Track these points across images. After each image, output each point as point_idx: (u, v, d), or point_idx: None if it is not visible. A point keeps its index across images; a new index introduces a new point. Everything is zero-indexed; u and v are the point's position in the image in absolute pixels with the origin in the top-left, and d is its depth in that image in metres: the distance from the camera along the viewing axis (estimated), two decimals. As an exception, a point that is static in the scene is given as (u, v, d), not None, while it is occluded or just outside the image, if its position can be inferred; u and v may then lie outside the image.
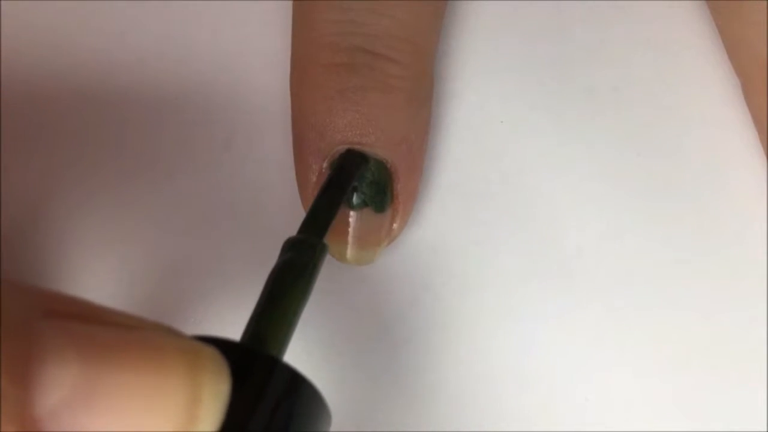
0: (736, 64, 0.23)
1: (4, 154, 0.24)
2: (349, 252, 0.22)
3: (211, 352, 0.14)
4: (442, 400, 0.23)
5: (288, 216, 0.23)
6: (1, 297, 0.13)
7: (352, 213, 0.22)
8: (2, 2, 0.25)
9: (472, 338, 0.23)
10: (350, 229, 0.22)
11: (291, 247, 0.19)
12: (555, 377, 0.23)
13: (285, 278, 0.18)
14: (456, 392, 0.23)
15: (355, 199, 0.22)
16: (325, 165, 0.22)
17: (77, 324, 0.13)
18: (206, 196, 0.24)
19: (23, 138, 0.24)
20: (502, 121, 0.24)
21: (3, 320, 0.12)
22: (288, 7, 0.23)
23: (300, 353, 0.22)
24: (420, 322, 0.23)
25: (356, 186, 0.22)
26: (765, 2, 0.22)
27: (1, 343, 0.12)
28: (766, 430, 0.22)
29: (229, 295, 0.23)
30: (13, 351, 0.12)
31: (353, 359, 0.23)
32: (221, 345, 0.15)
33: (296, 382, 0.16)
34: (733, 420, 0.22)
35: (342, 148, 0.22)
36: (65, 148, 0.24)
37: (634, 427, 0.22)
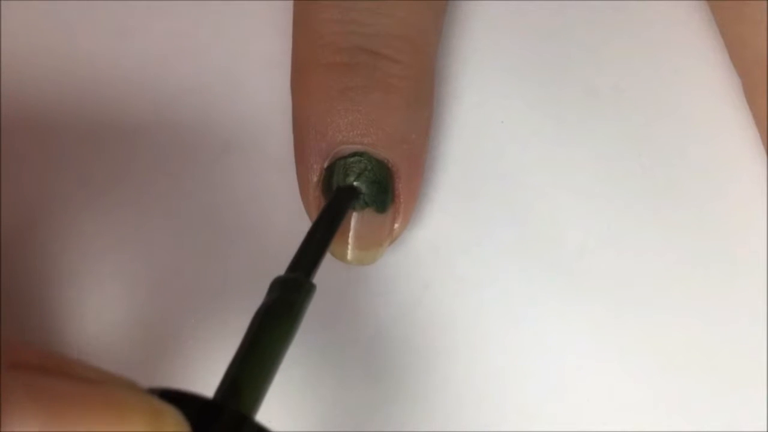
0: (737, 63, 0.23)
1: (4, 155, 0.24)
2: (350, 252, 0.22)
3: (173, 412, 0.14)
4: (442, 400, 0.23)
5: (288, 216, 0.23)
6: None
7: (353, 214, 0.22)
8: (2, 2, 0.25)
9: (473, 338, 0.23)
10: (351, 230, 0.22)
11: (278, 287, 0.19)
12: (555, 377, 0.23)
13: (267, 322, 0.18)
14: (456, 392, 0.23)
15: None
16: (325, 165, 0.22)
17: (40, 377, 0.13)
18: (206, 197, 0.24)
19: (22, 140, 0.24)
20: (502, 121, 0.24)
21: None
22: (288, 8, 0.23)
23: (300, 353, 0.22)
24: (420, 322, 0.23)
25: (358, 187, 0.22)
26: (765, 2, 0.22)
27: None
28: (766, 430, 0.22)
29: (229, 296, 0.23)
30: None
31: (353, 359, 0.23)
32: (186, 400, 0.15)
33: None
34: (733, 420, 0.22)
35: (343, 148, 0.21)
36: (64, 150, 0.24)
37: (634, 427, 0.22)
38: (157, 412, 0.14)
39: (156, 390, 0.15)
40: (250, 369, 0.17)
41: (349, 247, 0.22)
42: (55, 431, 0.13)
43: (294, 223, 0.21)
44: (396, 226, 0.22)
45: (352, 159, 0.21)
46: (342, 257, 0.22)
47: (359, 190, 0.21)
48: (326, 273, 0.23)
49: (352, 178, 0.21)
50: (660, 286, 0.23)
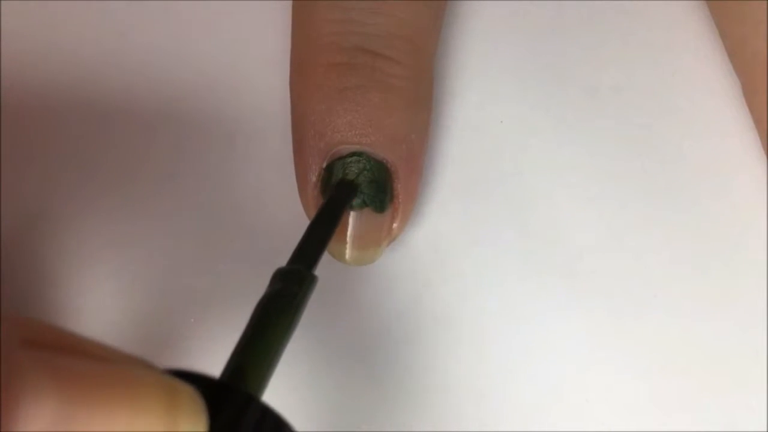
0: (737, 64, 0.23)
1: (4, 155, 0.24)
2: (349, 252, 0.22)
3: (189, 390, 0.14)
4: (442, 399, 0.23)
5: (288, 216, 0.23)
6: None
7: (351, 213, 0.22)
8: (2, 2, 0.25)
9: (473, 338, 0.23)
10: (350, 230, 0.22)
11: (280, 277, 0.19)
12: (555, 377, 0.23)
13: (271, 310, 0.18)
14: (456, 391, 0.23)
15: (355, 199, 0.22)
16: (324, 165, 0.22)
17: (56, 355, 0.13)
18: (206, 196, 0.24)
19: (24, 139, 0.24)
20: (502, 121, 0.24)
21: None
22: (288, 8, 0.23)
23: (300, 353, 0.22)
24: (420, 322, 0.23)
25: (357, 186, 0.22)
26: (765, 2, 0.22)
27: None
28: (766, 430, 0.22)
29: (229, 295, 0.23)
30: None
31: (353, 359, 0.23)
32: (197, 381, 0.15)
33: (269, 419, 0.16)
34: (733, 420, 0.22)
35: (342, 148, 0.21)
36: (64, 150, 0.24)
37: (634, 427, 0.22)
38: (173, 389, 0.14)
39: (168, 370, 0.15)
40: (254, 355, 0.17)
41: (348, 246, 0.22)
42: (71, 409, 0.13)
43: (294, 222, 0.21)
44: (395, 226, 0.22)
45: (350, 159, 0.21)
46: (340, 257, 0.22)
47: (359, 186, 0.22)
48: (326, 272, 0.23)
49: (350, 178, 0.21)
50: (660, 286, 0.23)
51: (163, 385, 0.14)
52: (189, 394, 0.14)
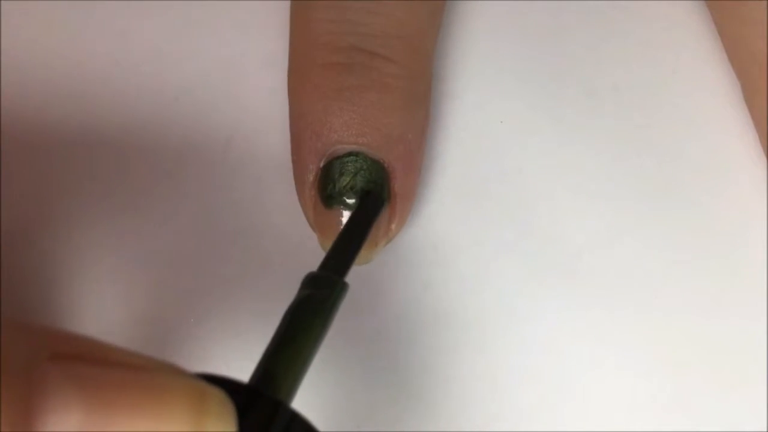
0: (736, 64, 0.23)
1: (4, 155, 0.24)
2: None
3: (217, 393, 0.14)
4: (442, 399, 0.23)
5: (288, 216, 0.23)
6: (4, 340, 0.13)
7: (348, 213, 0.22)
8: (2, 2, 0.25)
9: (473, 338, 0.23)
10: None
11: (311, 282, 0.19)
12: (555, 377, 0.23)
13: (302, 316, 0.18)
14: (456, 392, 0.23)
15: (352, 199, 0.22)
16: (321, 164, 0.22)
17: (82, 366, 0.13)
18: (206, 196, 0.24)
19: (22, 140, 0.24)
20: (502, 121, 0.24)
21: (4, 365, 0.12)
22: (286, 8, 0.23)
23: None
24: (420, 322, 0.23)
25: (354, 185, 0.22)
26: (765, 2, 0.22)
27: (2, 389, 0.12)
28: (766, 430, 0.22)
29: (229, 296, 0.23)
30: (14, 396, 0.12)
31: (353, 359, 0.23)
32: (226, 385, 0.15)
33: (298, 426, 0.16)
34: (733, 420, 0.22)
35: (339, 147, 0.22)
36: (64, 150, 0.24)
37: (634, 427, 0.22)
38: (202, 393, 0.14)
39: (198, 375, 0.15)
40: (284, 360, 0.17)
41: None
42: (98, 420, 0.13)
43: (293, 223, 0.21)
44: (392, 226, 0.22)
45: (347, 159, 0.21)
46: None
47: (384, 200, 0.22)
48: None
49: (347, 178, 0.21)
50: (660, 286, 0.23)
51: (191, 390, 0.14)
52: (218, 398, 0.14)
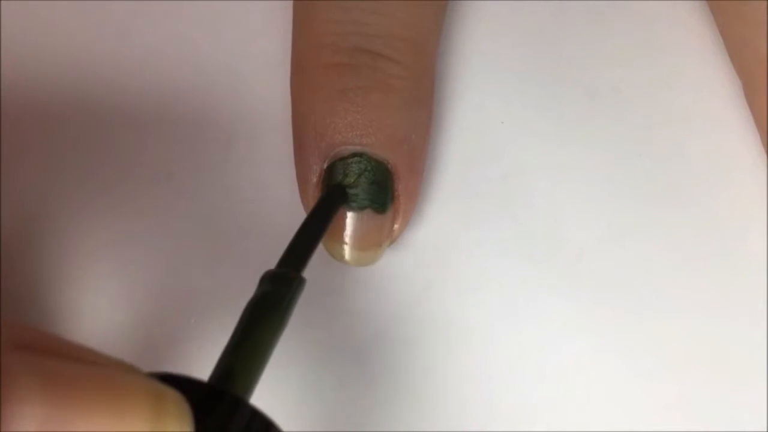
0: (737, 64, 0.23)
1: (4, 154, 0.24)
2: (349, 253, 0.22)
3: (175, 395, 0.15)
4: (442, 400, 0.23)
5: (288, 216, 0.23)
6: None
7: (351, 214, 0.22)
8: (2, 2, 0.25)
9: (473, 338, 0.23)
10: (350, 230, 0.22)
11: (268, 280, 0.19)
12: (555, 377, 0.23)
13: (258, 313, 0.18)
14: (456, 392, 0.23)
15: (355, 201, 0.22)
16: (325, 165, 0.22)
17: (45, 359, 0.13)
18: (206, 196, 0.24)
19: (22, 140, 0.24)
20: (502, 122, 0.24)
21: None
22: (288, 8, 0.23)
23: (300, 353, 0.22)
24: (420, 322, 0.23)
25: (356, 186, 0.22)
26: (765, 2, 0.22)
27: None
28: (766, 430, 0.22)
29: (230, 296, 0.23)
30: None
31: (353, 359, 0.23)
32: (185, 384, 0.15)
33: (258, 422, 0.16)
34: (733, 420, 0.22)
35: (343, 148, 0.21)
36: (65, 150, 0.24)
37: (634, 427, 0.22)
38: (160, 395, 0.14)
39: (155, 374, 0.15)
40: (243, 358, 0.17)
41: (348, 247, 0.22)
42: (59, 411, 0.13)
43: (294, 223, 0.20)
44: (396, 226, 0.22)
45: (351, 159, 0.21)
46: (341, 258, 0.22)
47: (354, 188, 0.22)
48: (327, 273, 0.23)
49: (351, 179, 0.21)
50: (660, 286, 0.23)
51: (149, 390, 0.14)
52: (175, 399, 0.14)
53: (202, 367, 0.22)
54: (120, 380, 0.14)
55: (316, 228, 0.21)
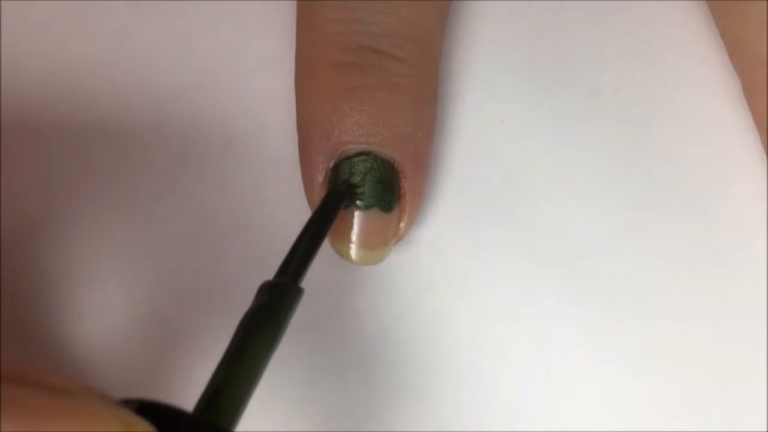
0: (737, 64, 0.23)
1: (4, 154, 0.24)
2: (356, 252, 0.22)
3: (145, 425, 0.15)
4: (443, 400, 0.23)
5: (291, 217, 0.23)
6: None
7: (358, 213, 0.22)
8: (2, 2, 0.25)
9: (474, 338, 0.23)
10: (357, 229, 0.22)
11: (266, 291, 0.19)
12: (555, 378, 0.23)
13: (253, 327, 0.18)
14: (457, 392, 0.23)
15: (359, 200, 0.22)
16: (331, 165, 0.22)
17: (15, 388, 0.13)
18: (207, 196, 0.24)
19: (22, 140, 0.24)
20: (503, 121, 0.24)
21: None
22: (290, 7, 0.23)
23: (301, 353, 0.22)
24: (421, 322, 0.23)
25: (362, 186, 0.22)
26: (765, 2, 0.22)
27: None
28: (766, 430, 0.22)
29: (230, 296, 0.23)
30: None
31: (354, 359, 0.23)
32: (163, 413, 0.15)
33: None
34: (733, 420, 0.22)
35: (349, 147, 0.21)
36: (65, 150, 0.24)
37: (634, 427, 0.22)
38: (129, 425, 0.14)
39: (133, 401, 0.15)
40: (233, 378, 0.17)
41: (355, 246, 0.22)
42: None
43: (297, 224, 0.20)
44: (402, 225, 0.22)
45: (357, 158, 0.21)
46: (347, 257, 0.22)
47: (357, 187, 0.21)
48: (328, 273, 0.23)
49: (357, 178, 0.21)
50: (660, 287, 0.23)
51: (119, 420, 0.14)
52: (145, 429, 0.15)
53: (202, 367, 0.22)
54: (90, 409, 0.14)
55: (314, 234, 0.20)
